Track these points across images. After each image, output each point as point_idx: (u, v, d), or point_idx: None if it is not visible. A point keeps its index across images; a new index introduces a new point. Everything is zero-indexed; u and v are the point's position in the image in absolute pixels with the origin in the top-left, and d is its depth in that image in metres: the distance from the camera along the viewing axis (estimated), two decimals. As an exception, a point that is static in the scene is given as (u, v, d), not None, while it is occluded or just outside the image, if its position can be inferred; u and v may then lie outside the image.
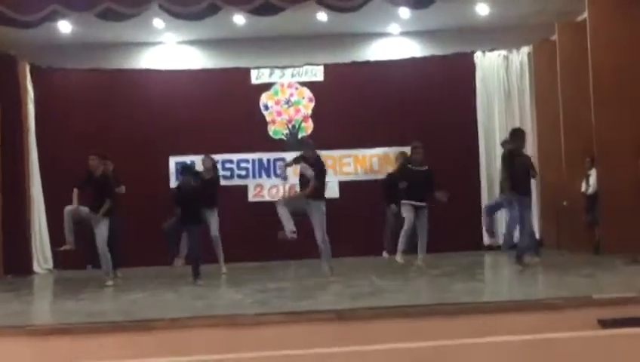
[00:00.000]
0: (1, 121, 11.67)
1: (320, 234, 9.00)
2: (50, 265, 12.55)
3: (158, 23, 11.74)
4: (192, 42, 13.43)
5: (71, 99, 13.01)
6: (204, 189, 10.39)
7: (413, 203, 9.79)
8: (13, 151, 12.02)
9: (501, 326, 5.58)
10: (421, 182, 9.83)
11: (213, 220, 10.60)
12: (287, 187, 12.68)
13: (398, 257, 9.84)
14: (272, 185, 13.17)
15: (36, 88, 12.83)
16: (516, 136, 9.77)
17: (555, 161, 11.97)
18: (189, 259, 9.96)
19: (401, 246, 9.78)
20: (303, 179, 9.17)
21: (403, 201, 9.92)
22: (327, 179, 12.81)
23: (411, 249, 9.98)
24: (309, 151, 9.27)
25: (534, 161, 11.86)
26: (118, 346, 5.56)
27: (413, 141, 10.26)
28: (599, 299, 6.00)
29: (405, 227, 9.79)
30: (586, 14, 11.04)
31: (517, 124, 12.86)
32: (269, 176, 13.24)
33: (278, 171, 12.04)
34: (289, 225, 8.80)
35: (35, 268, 12.22)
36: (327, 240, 9.08)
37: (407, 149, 10.71)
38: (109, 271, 9.60)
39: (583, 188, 11.34)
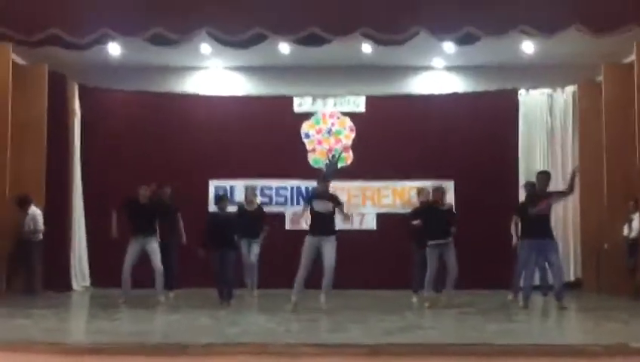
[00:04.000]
0: (48, 138, 11.90)
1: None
2: (88, 282, 12.74)
3: (205, 48, 11.91)
4: (237, 68, 13.60)
5: (116, 120, 13.26)
6: (240, 218, 10.71)
7: (438, 241, 9.89)
8: (59, 168, 12.24)
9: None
10: (442, 219, 9.99)
11: (255, 248, 11.05)
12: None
13: (414, 298, 10.17)
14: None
15: (83, 107, 13.10)
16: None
17: (597, 204, 11.82)
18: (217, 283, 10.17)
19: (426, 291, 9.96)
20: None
21: (429, 242, 9.99)
22: (365, 210, 13.06)
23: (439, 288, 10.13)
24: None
25: (574, 200, 11.83)
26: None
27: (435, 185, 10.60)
28: (637, 348, 5.87)
29: (428, 271, 9.96)
30: (633, 56, 10.95)
31: (559, 164, 12.79)
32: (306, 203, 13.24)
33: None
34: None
35: (74, 285, 12.38)
36: None
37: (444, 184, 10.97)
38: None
39: (625, 232, 11.17)
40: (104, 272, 12.07)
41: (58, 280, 11.92)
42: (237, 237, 10.43)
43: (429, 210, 10.18)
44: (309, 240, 9.39)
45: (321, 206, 9.45)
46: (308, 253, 9.33)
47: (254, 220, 11.15)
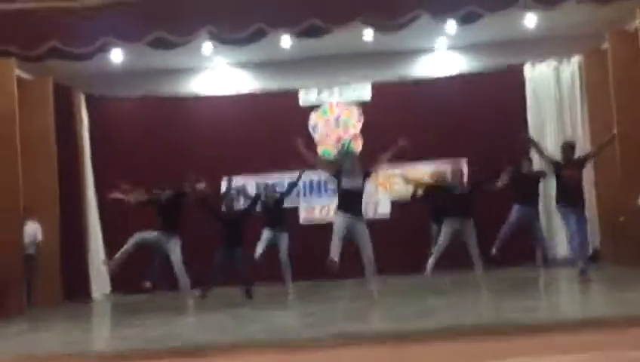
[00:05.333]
0: (58, 150, 11.95)
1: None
2: (108, 289, 12.81)
3: (207, 48, 11.91)
4: (240, 65, 13.58)
5: (125, 127, 13.33)
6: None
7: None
8: (71, 179, 12.31)
9: (559, 346, 5.48)
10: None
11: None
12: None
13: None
14: (322, 206, 13.20)
15: (90, 117, 13.16)
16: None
17: (610, 174, 11.71)
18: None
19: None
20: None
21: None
22: (379, 198, 13.01)
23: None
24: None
25: (589, 172, 11.82)
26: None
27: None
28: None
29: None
30: (637, 22, 10.83)
31: (569, 136, 12.70)
32: (319, 196, 13.28)
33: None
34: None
35: (94, 294, 12.45)
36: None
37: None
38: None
39: (640, 202, 11.08)
40: (124, 279, 12.11)
41: (78, 291, 12.00)
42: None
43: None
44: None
45: (350, 183, 9.20)
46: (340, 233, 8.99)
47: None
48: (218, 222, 10.62)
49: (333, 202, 12.26)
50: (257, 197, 11.42)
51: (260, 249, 11.17)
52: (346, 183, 9.19)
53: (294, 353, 5.75)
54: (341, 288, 10.90)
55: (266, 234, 11.32)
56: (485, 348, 5.55)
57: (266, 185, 11.89)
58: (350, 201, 9.11)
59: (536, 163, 11.78)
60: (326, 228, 9.61)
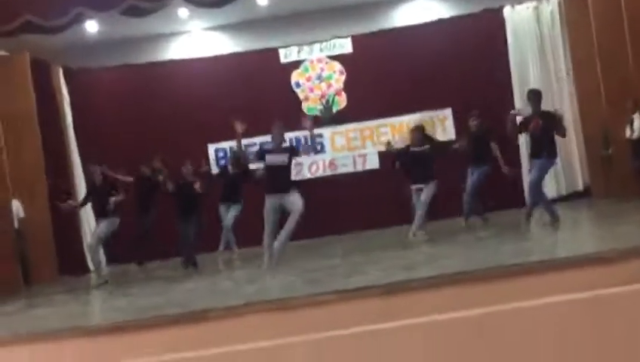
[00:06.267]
0: (40, 127, 11.82)
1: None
2: (104, 262, 12.79)
3: (182, 12, 11.77)
4: (218, 28, 13.45)
5: (106, 98, 13.20)
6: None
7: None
8: (56, 154, 12.23)
9: (556, 285, 5.50)
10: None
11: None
12: (327, 162, 12.77)
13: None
14: (312, 162, 13.18)
15: (70, 90, 13.01)
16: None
17: (596, 109, 11.70)
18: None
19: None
20: None
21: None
22: (366, 151, 12.95)
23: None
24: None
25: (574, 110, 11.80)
26: (174, 339, 5.63)
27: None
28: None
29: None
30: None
31: (552, 76, 12.69)
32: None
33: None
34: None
35: (90, 266, 12.43)
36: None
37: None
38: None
39: (628, 134, 11.09)
40: (118, 249, 12.11)
41: (73, 264, 12.00)
42: None
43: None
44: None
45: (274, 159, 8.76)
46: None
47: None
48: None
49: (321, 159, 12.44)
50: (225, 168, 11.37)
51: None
52: (270, 159, 8.77)
53: (290, 311, 5.75)
54: (338, 244, 10.95)
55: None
56: (482, 292, 5.58)
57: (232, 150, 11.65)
58: (275, 179, 8.69)
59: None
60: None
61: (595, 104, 11.70)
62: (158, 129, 12.76)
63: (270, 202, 8.53)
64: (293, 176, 12.74)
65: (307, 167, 13.21)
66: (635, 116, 10.85)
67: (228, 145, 12.65)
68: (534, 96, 9.51)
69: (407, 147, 10.43)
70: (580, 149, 12.69)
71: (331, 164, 13.10)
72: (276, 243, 8.55)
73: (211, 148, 13.19)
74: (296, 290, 6.59)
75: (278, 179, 8.62)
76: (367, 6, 12.97)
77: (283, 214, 8.62)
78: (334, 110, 13.19)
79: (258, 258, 9.03)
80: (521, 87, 12.74)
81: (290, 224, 8.47)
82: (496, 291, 5.60)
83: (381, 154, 13.03)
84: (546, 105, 10.12)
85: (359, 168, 12.96)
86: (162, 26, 12.55)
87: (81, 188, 12.61)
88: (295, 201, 8.46)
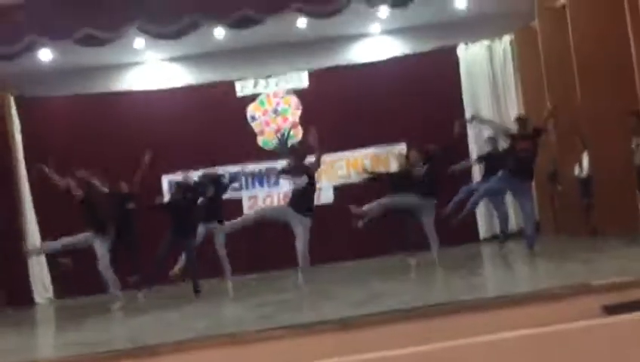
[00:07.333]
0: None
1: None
2: (51, 294, 12.52)
3: (138, 43, 11.71)
4: (174, 59, 13.42)
5: (58, 127, 12.96)
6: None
7: None
8: (5, 183, 12.01)
9: (504, 321, 5.56)
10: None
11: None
12: (281, 195, 12.75)
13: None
14: (266, 195, 13.16)
15: (22, 119, 12.75)
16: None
17: (547, 146, 11.91)
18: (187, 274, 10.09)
19: None
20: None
21: None
22: (321, 185, 12.95)
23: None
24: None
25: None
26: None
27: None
28: (601, 285, 5.96)
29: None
30: (564, -2, 11.03)
31: (504, 114, 12.95)
32: (262, 185, 13.24)
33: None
34: None
35: (36, 298, 12.17)
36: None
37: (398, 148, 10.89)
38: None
39: (577, 172, 11.34)
40: (67, 282, 11.87)
41: (19, 295, 11.73)
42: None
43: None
44: None
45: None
46: None
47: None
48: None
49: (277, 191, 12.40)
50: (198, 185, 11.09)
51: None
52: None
53: (242, 346, 5.70)
54: (289, 278, 10.88)
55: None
56: (432, 328, 5.60)
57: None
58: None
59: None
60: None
61: (545, 141, 11.91)
62: (110, 160, 12.56)
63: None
64: (249, 209, 12.91)
65: (262, 200, 13.19)
66: (584, 155, 11.10)
67: (181, 176, 12.53)
68: (524, 120, 9.99)
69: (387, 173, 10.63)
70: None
71: (286, 197, 13.04)
72: None
73: (165, 180, 13.06)
74: (249, 325, 6.53)
75: None
76: (324, 41, 13.09)
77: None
78: (290, 143, 13.21)
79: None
80: (475, 124, 12.90)
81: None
82: (446, 327, 5.63)
83: (336, 189, 13.08)
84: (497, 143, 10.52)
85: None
86: (118, 56, 12.47)
87: (30, 216, 12.36)
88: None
